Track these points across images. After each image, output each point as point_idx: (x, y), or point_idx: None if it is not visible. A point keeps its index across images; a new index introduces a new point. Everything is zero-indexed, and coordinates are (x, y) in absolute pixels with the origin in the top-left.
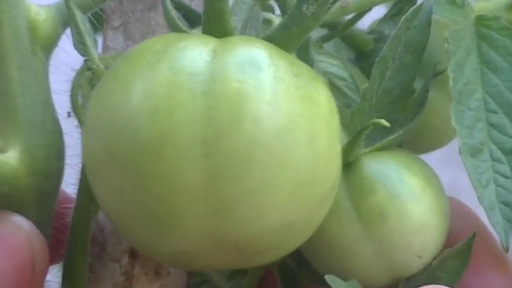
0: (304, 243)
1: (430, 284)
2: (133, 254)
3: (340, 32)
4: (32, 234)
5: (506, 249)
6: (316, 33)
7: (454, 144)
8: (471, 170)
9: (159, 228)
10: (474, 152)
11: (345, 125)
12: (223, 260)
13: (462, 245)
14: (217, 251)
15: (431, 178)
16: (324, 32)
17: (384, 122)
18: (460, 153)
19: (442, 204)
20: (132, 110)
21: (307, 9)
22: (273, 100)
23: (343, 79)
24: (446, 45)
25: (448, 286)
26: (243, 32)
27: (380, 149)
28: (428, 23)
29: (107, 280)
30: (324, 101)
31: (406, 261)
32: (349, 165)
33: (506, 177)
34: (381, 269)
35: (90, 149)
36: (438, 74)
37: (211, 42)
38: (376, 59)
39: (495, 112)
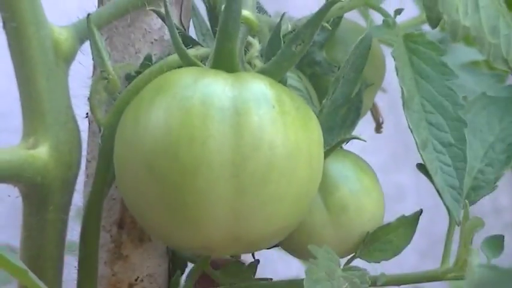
0: None
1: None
2: (121, 225)
3: None
4: None
5: (458, 223)
6: None
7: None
8: (426, 161)
9: (190, 231)
10: (423, 146)
11: None
12: (233, 250)
13: (411, 216)
14: (232, 245)
15: (374, 173)
16: None
17: (361, 137)
18: (417, 148)
19: (382, 194)
20: (172, 137)
21: (295, 48)
22: (283, 130)
23: (300, 90)
24: (395, 63)
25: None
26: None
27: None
28: (367, 47)
29: (101, 247)
30: (315, 126)
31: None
32: None
33: (448, 166)
34: (340, 250)
35: (128, 160)
36: (368, 86)
37: (229, 78)
38: (332, 79)
39: (432, 113)
